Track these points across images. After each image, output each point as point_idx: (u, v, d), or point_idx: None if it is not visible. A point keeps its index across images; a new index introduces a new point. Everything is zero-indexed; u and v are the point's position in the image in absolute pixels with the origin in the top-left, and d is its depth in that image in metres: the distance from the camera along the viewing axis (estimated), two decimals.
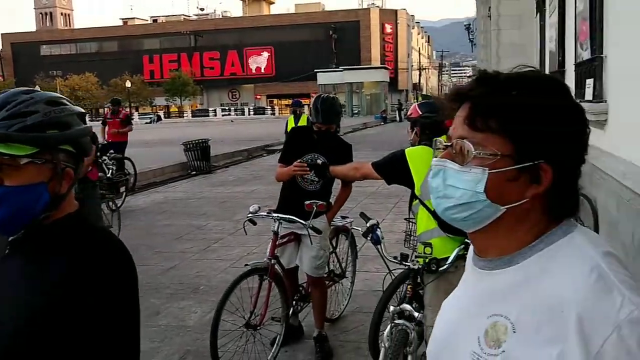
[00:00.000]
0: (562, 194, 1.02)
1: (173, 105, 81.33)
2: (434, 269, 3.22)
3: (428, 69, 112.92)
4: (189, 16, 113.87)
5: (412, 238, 3.94)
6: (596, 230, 5.61)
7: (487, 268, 1.08)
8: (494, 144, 1.00)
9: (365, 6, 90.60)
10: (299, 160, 4.29)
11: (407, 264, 3.40)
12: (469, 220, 1.05)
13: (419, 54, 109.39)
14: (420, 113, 3.66)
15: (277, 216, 4.24)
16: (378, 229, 3.51)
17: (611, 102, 5.61)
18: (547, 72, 10.98)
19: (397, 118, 51.63)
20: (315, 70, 66.98)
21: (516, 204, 1.01)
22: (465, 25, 41.84)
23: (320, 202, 4.19)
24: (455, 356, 1.07)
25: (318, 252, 4.40)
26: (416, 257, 3.41)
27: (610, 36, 5.70)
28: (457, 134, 1.04)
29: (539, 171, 1.00)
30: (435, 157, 1.09)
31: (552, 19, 10.11)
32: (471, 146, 1.01)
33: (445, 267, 3.20)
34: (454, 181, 1.03)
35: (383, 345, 3.33)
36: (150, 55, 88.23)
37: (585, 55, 6.63)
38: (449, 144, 1.06)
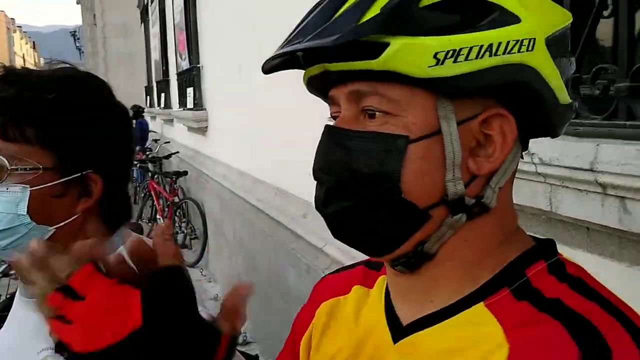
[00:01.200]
0: (116, 202, 0.96)
1: None
2: None
3: None
4: None
5: None
6: (205, 231, 5.92)
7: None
8: (32, 156, 0.87)
9: None
10: None
11: None
12: (13, 248, 0.88)
13: (24, 60, 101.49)
14: None
15: None
16: None
17: (209, 109, 5.99)
18: (154, 80, 11.24)
19: None
20: None
21: (66, 221, 0.91)
22: (71, 32, 40.11)
23: None
24: None
25: None
26: None
27: (205, 48, 6.07)
28: None
29: (88, 182, 0.91)
30: None
31: (154, 29, 10.36)
32: (5, 160, 0.86)
33: None
34: None
35: None
36: None
37: (185, 65, 6.95)
38: None
